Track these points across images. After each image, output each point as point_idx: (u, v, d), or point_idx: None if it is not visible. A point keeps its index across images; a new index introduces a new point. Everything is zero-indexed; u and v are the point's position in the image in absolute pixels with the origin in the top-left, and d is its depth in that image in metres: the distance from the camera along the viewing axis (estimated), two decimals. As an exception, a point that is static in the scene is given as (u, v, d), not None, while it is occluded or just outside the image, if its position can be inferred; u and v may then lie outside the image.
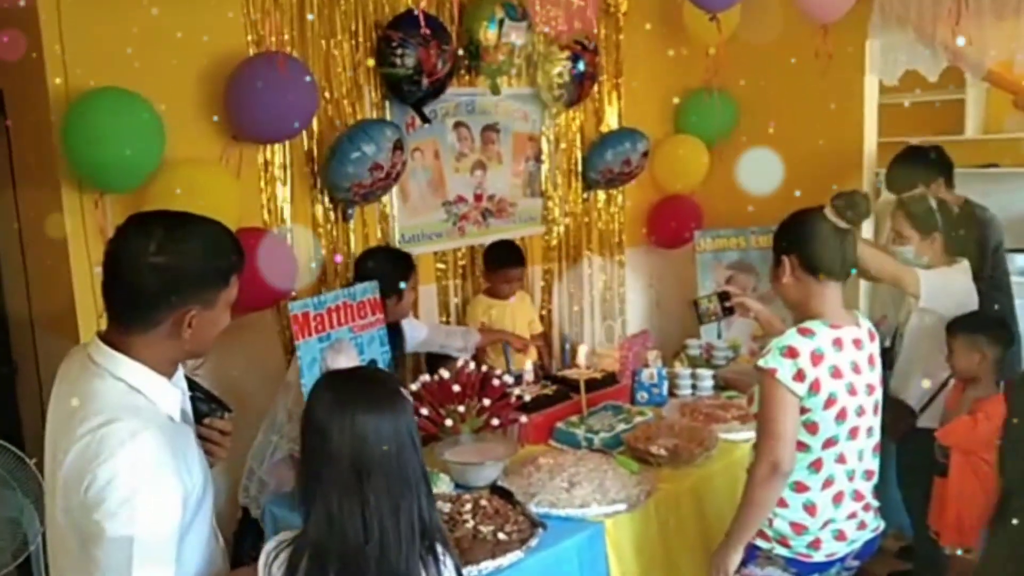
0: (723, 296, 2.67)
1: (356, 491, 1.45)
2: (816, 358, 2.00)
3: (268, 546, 1.54)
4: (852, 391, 2.05)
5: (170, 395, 1.50)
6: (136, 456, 1.35)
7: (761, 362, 2.03)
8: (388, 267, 3.02)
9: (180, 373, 1.58)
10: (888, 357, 3.16)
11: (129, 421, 1.38)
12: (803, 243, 2.09)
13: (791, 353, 2.00)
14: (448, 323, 3.86)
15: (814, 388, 2.00)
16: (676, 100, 4.50)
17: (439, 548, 1.53)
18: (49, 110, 2.64)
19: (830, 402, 2.02)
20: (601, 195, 4.39)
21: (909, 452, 2.92)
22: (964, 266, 2.90)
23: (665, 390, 3.34)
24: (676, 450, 2.71)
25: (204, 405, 1.63)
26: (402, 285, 2.98)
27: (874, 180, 4.17)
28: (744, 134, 4.41)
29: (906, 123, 5.06)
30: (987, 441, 2.60)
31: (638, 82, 4.39)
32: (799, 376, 1.99)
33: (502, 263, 3.71)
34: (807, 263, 2.08)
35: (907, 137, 4.96)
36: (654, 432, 2.85)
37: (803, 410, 2.03)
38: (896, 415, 2.88)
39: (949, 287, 2.84)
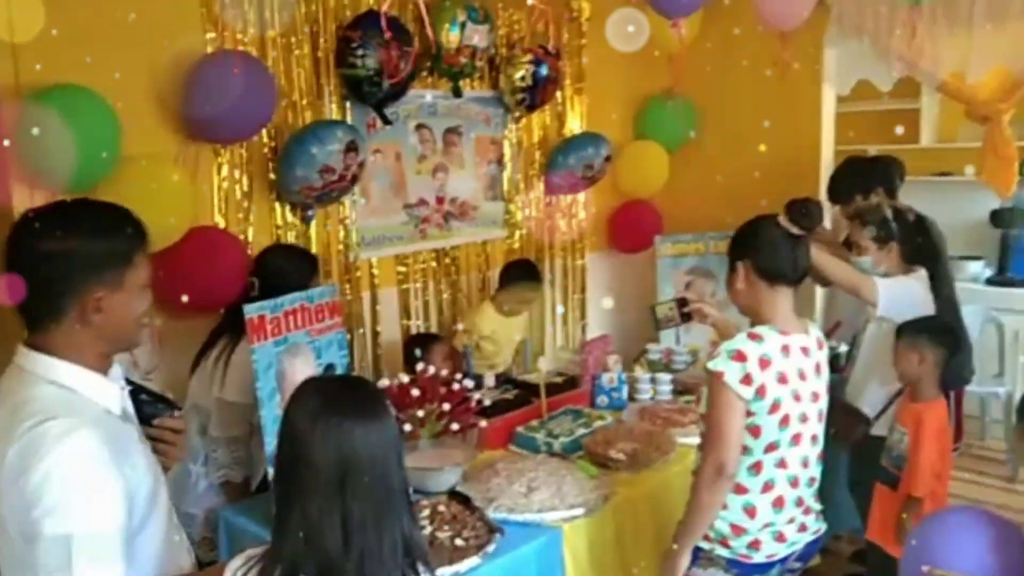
0: (681, 302, 2.68)
1: (337, 502, 1.38)
2: (763, 363, 2.03)
3: (235, 563, 1.46)
4: (796, 397, 2.09)
5: (106, 390, 1.49)
6: (70, 453, 1.34)
7: (710, 364, 2.06)
8: (289, 266, 2.87)
9: (118, 371, 1.57)
10: (847, 361, 3.21)
11: (63, 419, 1.37)
12: (756, 249, 2.13)
13: (739, 357, 2.03)
14: (411, 326, 3.83)
15: (760, 393, 2.03)
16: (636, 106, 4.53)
17: (421, 568, 1.47)
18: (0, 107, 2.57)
19: (774, 407, 2.05)
20: (562, 199, 4.40)
21: (862, 458, 2.96)
22: (921, 275, 2.95)
23: (625, 394, 3.35)
24: (634, 455, 2.73)
25: (150, 407, 1.60)
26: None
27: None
28: (704, 140, 4.46)
29: (863, 132, 5.15)
30: (939, 456, 2.64)
31: (600, 87, 4.41)
32: (746, 380, 2.02)
33: (524, 284, 3.61)
34: (760, 269, 2.12)
35: (864, 145, 5.06)
36: (613, 436, 2.86)
37: (748, 413, 2.05)
38: (850, 421, 2.92)
39: (907, 296, 2.88)
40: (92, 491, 1.35)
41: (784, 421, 2.07)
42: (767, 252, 2.11)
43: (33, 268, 1.42)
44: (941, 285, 3.01)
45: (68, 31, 2.63)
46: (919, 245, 2.99)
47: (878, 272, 2.93)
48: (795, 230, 2.11)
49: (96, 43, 2.69)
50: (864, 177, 3.44)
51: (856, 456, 3.06)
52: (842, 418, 2.95)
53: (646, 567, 2.56)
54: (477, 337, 3.61)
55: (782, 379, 2.05)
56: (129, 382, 1.67)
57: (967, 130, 4.69)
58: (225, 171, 3.13)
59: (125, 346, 1.57)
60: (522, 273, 3.68)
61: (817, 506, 2.25)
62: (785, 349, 2.08)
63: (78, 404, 1.43)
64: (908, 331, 2.72)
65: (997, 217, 5.08)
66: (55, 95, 2.49)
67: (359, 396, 1.48)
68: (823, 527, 2.25)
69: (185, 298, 2.70)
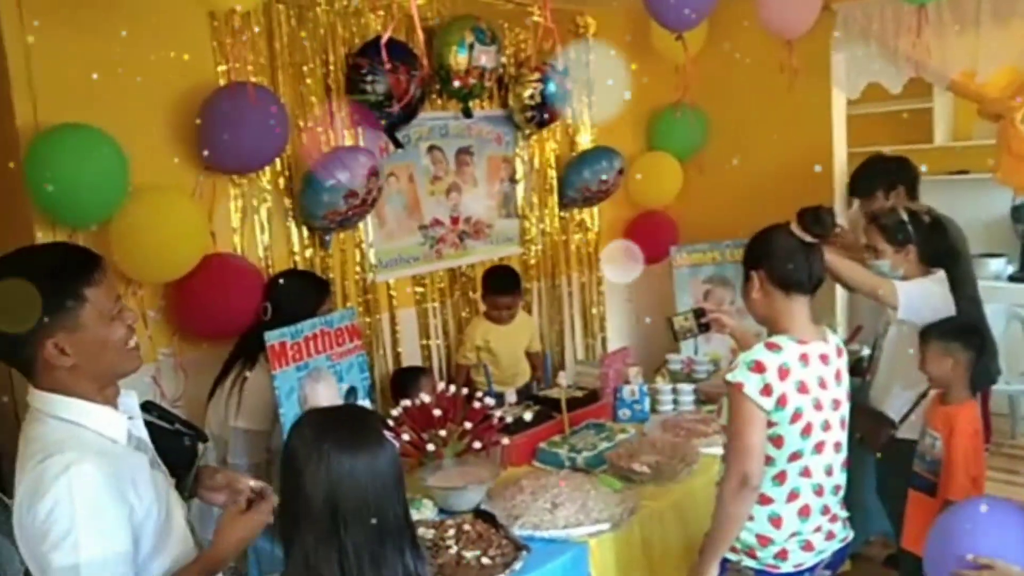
0: (698, 313, 2.65)
1: (333, 538, 1.38)
2: (783, 373, 2.02)
3: None
4: (818, 406, 2.07)
5: (111, 420, 1.51)
6: (72, 487, 1.37)
7: (729, 376, 2.06)
8: (299, 291, 2.89)
9: (129, 400, 1.59)
10: (868, 366, 3.18)
11: (64, 454, 1.40)
12: (770, 259, 2.12)
13: (758, 368, 2.02)
14: (430, 346, 3.86)
15: (780, 403, 2.02)
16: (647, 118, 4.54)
17: None
18: (19, 147, 2.63)
19: (796, 416, 2.04)
20: (576, 214, 4.42)
21: (889, 463, 2.93)
22: (940, 276, 2.93)
23: (647, 406, 3.34)
24: (658, 467, 2.72)
25: (173, 439, 1.67)
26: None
27: (845, 191, 4.21)
28: (716, 149, 4.46)
29: (876, 133, 5.13)
30: (974, 459, 2.59)
31: (609, 101, 4.43)
32: (766, 391, 2.01)
33: (494, 290, 3.69)
34: (775, 278, 2.11)
35: (877, 147, 5.04)
36: (636, 449, 2.85)
37: (769, 424, 2.04)
38: (876, 426, 2.91)
39: (926, 298, 2.86)
40: (96, 521, 1.38)
41: (806, 430, 2.06)
42: (781, 261, 2.10)
43: None
44: (963, 285, 2.99)
45: (84, 69, 2.69)
46: (936, 246, 2.97)
47: (896, 275, 2.91)
48: (808, 238, 2.11)
49: (111, 79, 2.74)
50: (888, 174, 3.46)
51: (883, 460, 3.04)
52: (867, 422, 2.93)
53: (675, 579, 2.55)
54: (475, 348, 3.66)
55: (802, 388, 2.04)
56: (156, 407, 1.73)
57: (982, 127, 4.67)
58: (241, 201, 3.17)
59: (115, 374, 1.55)
60: (495, 280, 3.73)
61: (844, 513, 2.23)
62: (804, 358, 2.07)
63: (83, 437, 1.46)
64: (936, 334, 2.67)
65: (1017, 213, 5.04)
66: (64, 134, 2.54)
67: (350, 427, 1.46)
68: (850, 534, 2.24)
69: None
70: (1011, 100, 3.67)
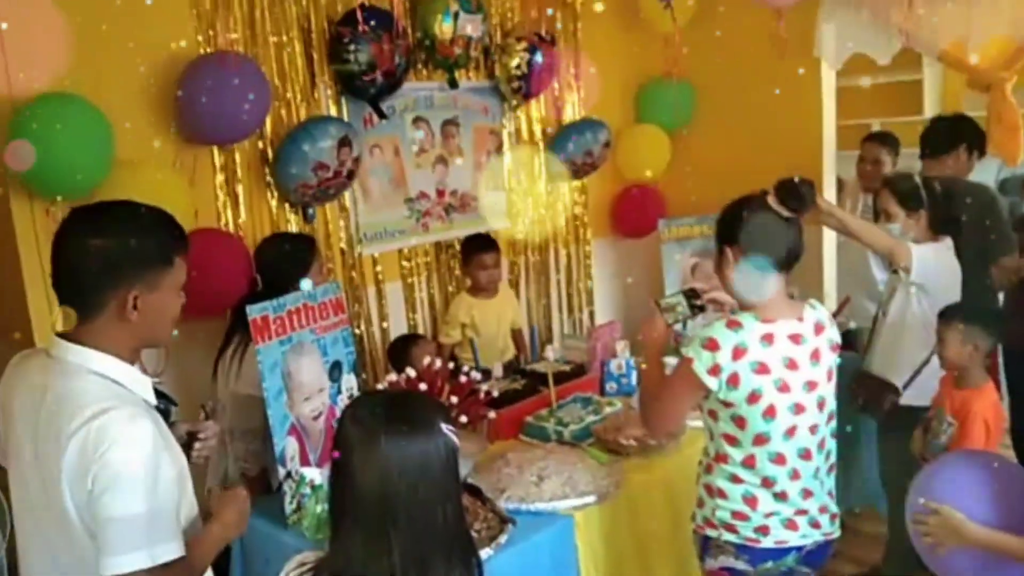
0: (690, 294, 2.33)
1: (382, 538, 1.30)
2: (738, 352, 1.95)
3: (289, 566, 1.41)
4: (783, 388, 1.98)
5: (142, 382, 1.58)
6: (138, 438, 1.44)
7: (683, 349, 2.03)
8: (285, 254, 2.88)
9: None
10: (872, 330, 3.17)
11: (123, 408, 1.45)
12: (744, 234, 2.00)
13: (711, 345, 1.96)
14: (417, 320, 3.83)
15: (732, 382, 1.95)
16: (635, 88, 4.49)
17: None
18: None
19: (754, 397, 1.97)
20: (564, 187, 4.38)
21: (892, 429, 2.93)
22: (948, 243, 2.95)
23: (634, 380, 3.33)
24: (645, 440, 2.71)
25: (163, 398, 1.70)
26: (304, 282, 2.58)
27: (835, 162, 4.20)
28: (704, 121, 4.43)
29: (865, 105, 5.11)
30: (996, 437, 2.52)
31: (597, 72, 4.38)
32: (714, 370, 1.95)
33: (476, 250, 3.66)
34: (749, 255, 2.00)
35: (867, 119, 5.03)
36: (623, 423, 2.84)
37: (727, 404, 1.99)
38: (878, 392, 2.89)
39: (939, 262, 2.88)
40: (157, 473, 1.45)
41: (769, 412, 1.98)
42: (756, 237, 1.99)
43: (77, 259, 1.51)
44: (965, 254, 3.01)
45: (61, 37, 2.63)
46: (946, 214, 2.97)
47: (906, 240, 2.91)
48: (785, 212, 2.00)
49: (87, 49, 2.68)
50: (971, 133, 3.50)
51: (885, 427, 3.04)
52: (869, 389, 2.92)
53: (661, 550, 2.55)
54: (459, 326, 3.63)
55: (761, 369, 1.96)
56: None
57: (971, 99, 4.64)
58: (224, 173, 3.12)
59: (154, 343, 1.64)
60: (474, 241, 3.71)
61: (834, 508, 2.15)
62: (767, 338, 1.97)
63: (124, 394, 1.51)
64: (958, 317, 2.57)
65: (1005, 186, 5.04)
66: (46, 103, 2.48)
67: (403, 410, 1.36)
68: (836, 532, 2.15)
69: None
70: (1002, 71, 3.64)
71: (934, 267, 2.85)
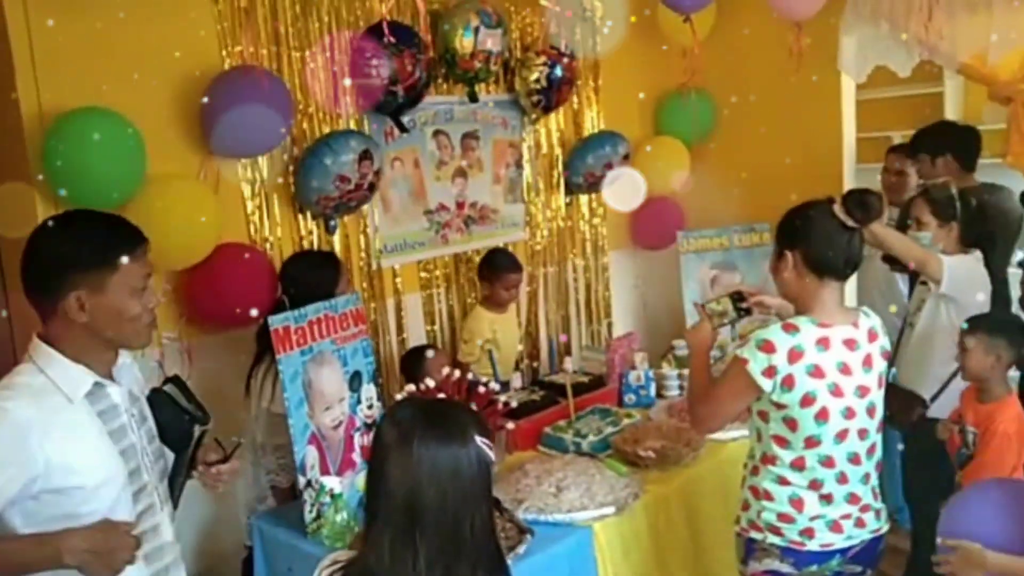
0: (736, 297, 2.32)
1: (410, 541, 1.30)
2: (794, 355, 1.99)
3: (323, 563, 1.43)
4: (837, 392, 2.02)
5: (76, 380, 1.60)
6: None
7: (739, 351, 2.05)
8: (312, 273, 2.91)
9: (126, 368, 1.71)
10: (898, 341, 3.15)
11: (5, 392, 1.54)
12: (808, 240, 2.04)
13: (767, 348, 1.99)
14: (435, 332, 3.85)
15: (787, 384, 1.99)
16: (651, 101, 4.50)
17: None
18: (23, 133, 2.62)
19: (807, 400, 2.00)
20: (583, 199, 4.40)
21: (917, 441, 2.90)
22: (978, 256, 2.93)
23: (653, 391, 3.34)
24: (663, 451, 2.72)
25: (172, 415, 1.76)
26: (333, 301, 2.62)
27: (855, 175, 4.18)
28: (723, 133, 4.43)
29: (886, 118, 5.08)
30: (1006, 459, 2.49)
31: (616, 85, 4.40)
32: (769, 372, 1.98)
33: (504, 269, 3.62)
34: (810, 261, 2.04)
35: (887, 132, 5.00)
36: (641, 434, 2.85)
37: (779, 406, 2.02)
38: (906, 404, 2.87)
39: (969, 275, 2.87)
40: None
41: (822, 415, 2.01)
42: (820, 245, 2.02)
43: (29, 260, 1.60)
44: (998, 269, 3.00)
45: (87, 54, 2.69)
46: (978, 228, 2.95)
47: (936, 250, 2.90)
48: (850, 222, 2.03)
49: (115, 64, 2.74)
50: (938, 136, 3.54)
51: (911, 440, 3.02)
52: (897, 401, 2.89)
53: (680, 561, 2.55)
54: (482, 343, 3.58)
55: (816, 372, 1.99)
56: (181, 384, 1.83)
57: (992, 111, 4.61)
58: (248, 186, 3.17)
59: (123, 344, 1.68)
60: (501, 259, 3.67)
61: (877, 504, 2.16)
62: (823, 342, 2.01)
63: (38, 386, 1.57)
64: (982, 328, 2.56)
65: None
66: (77, 118, 2.53)
67: (440, 418, 1.37)
68: (884, 527, 2.16)
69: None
70: (1022, 83, 3.63)
71: (965, 279, 2.84)
